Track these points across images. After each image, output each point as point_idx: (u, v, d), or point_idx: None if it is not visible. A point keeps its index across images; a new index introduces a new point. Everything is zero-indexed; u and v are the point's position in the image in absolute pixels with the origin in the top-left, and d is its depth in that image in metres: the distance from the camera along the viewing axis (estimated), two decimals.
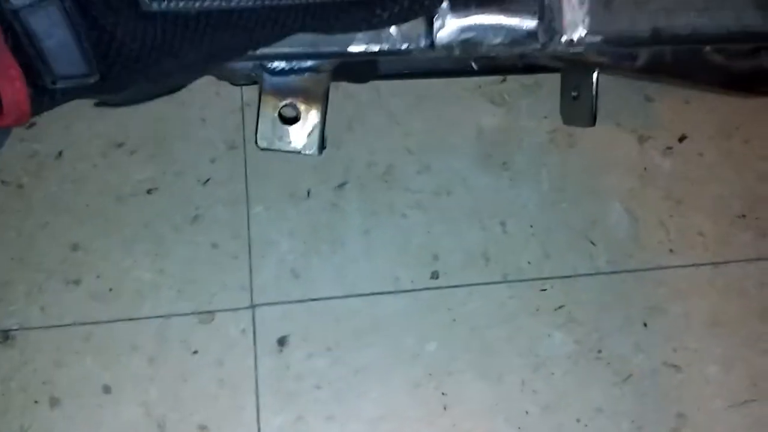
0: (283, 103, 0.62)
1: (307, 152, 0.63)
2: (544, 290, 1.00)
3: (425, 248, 1.02)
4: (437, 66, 1.08)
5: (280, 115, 0.63)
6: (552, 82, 1.13)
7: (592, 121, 0.72)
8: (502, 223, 1.04)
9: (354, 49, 0.57)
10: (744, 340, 0.99)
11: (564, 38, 0.56)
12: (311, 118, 0.63)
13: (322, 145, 0.63)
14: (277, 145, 0.63)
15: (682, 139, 1.13)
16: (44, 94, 0.37)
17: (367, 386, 0.93)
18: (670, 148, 1.11)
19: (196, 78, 0.59)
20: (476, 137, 1.10)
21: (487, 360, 0.95)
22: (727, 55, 0.69)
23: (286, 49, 0.57)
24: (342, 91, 1.10)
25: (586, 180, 1.08)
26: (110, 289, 0.95)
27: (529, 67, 1.10)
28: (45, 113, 1.06)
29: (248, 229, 1.00)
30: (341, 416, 0.92)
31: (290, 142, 0.62)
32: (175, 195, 1.01)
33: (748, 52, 0.69)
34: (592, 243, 1.03)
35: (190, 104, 1.06)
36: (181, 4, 0.37)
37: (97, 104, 0.59)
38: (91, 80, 0.38)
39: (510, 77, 1.13)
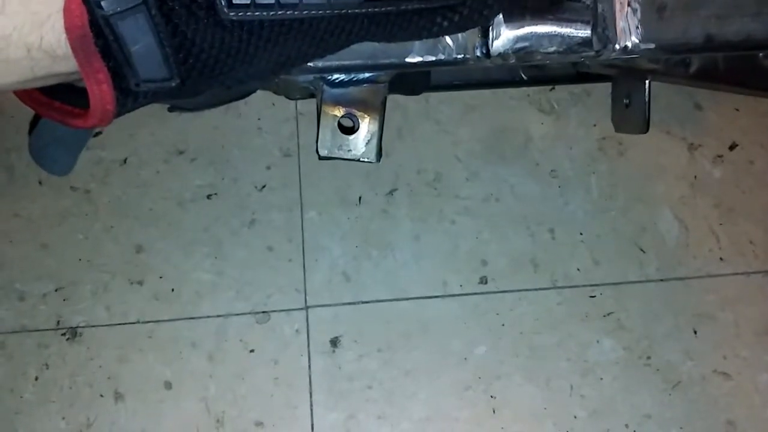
0: (342, 113, 0.65)
1: (365, 160, 0.65)
2: (593, 297, 1.01)
3: (474, 254, 1.04)
4: (487, 76, 1.10)
5: (340, 125, 0.65)
6: (601, 90, 1.14)
7: (646, 127, 0.73)
8: (551, 230, 1.05)
9: (411, 59, 0.60)
10: None
11: (617, 46, 0.58)
12: (369, 127, 0.65)
13: (379, 153, 0.66)
14: (337, 153, 0.65)
15: (732, 147, 1.12)
16: (128, 96, 0.40)
17: (417, 387, 0.95)
18: (720, 156, 1.11)
19: (264, 85, 0.62)
20: (524, 145, 1.12)
21: (536, 364, 0.97)
22: None
23: (346, 62, 0.60)
24: (392, 100, 1.12)
25: (636, 188, 1.08)
26: (172, 290, 1.00)
27: (578, 76, 1.12)
28: (112, 122, 1.11)
29: (302, 233, 1.03)
30: (391, 416, 0.94)
31: (350, 150, 0.65)
32: (233, 200, 1.05)
33: None
34: (642, 250, 1.04)
35: (247, 114, 1.11)
36: (257, 13, 0.40)
37: (171, 109, 0.62)
38: (172, 84, 0.40)
39: (559, 86, 1.14)
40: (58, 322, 0.98)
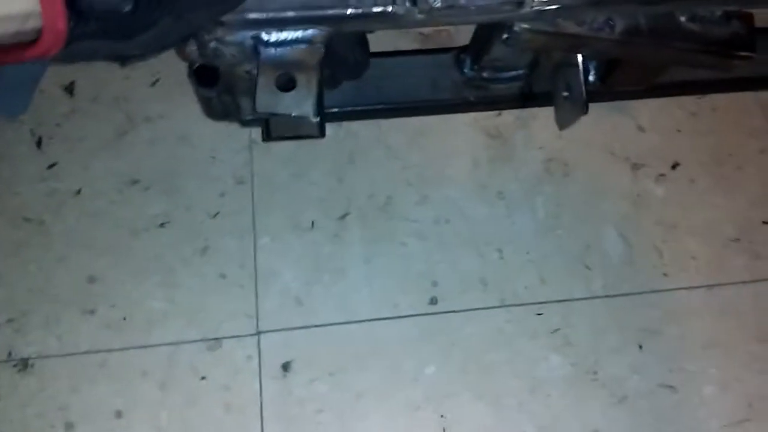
0: (279, 72, 0.67)
1: (302, 114, 0.66)
2: (541, 314, 1.03)
3: (424, 275, 1.05)
4: (435, 96, 1.14)
5: (277, 84, 0.67)
6: (545, 114, 1.17)
7: (585, 107, 0.76)
8: (499, 250, 1.08)
9: (341, 11, 0.62)
10: (739, 361, 1.00)
11: None
12: (307, 84, 0.67)
13: (317, 111, 0.67)
14: (275, 109, 0.67)
15: (674, 166, 1.16)
16: (80, 17, 0.39)
17: (368, 409, 0.96)
18: (662, 175, 1.15)
19: (214, 15, 0.61)
20: (473, 168, 1.15)
21: (485, 383, 0.98)
22: (702, 23, 0.73)
23: (280, 14, 0.63)
24: (345, 128, 1.16)
25: (581, 207, 1.11)
26: (123, 318, 1.00)
27: (522, 97, 1.15)
28: (64, 155, 1.11)
29: (254, 259, 1.05)
30: None
31: (288, 106, 0.66)
32: (186, 228, 1.07)
33: (720, 19, 0.72)
34: (588, 268, 1.06)
35: (201, 144, 1.13)
36: None
37: (121, 63, 0.62)
38: (125, 8, 0.40)
39: (505, 112, 1.18)
40: (10, 353, 0.98)
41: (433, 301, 1.04)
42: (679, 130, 1.20)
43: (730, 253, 1.09)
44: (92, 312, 1.01)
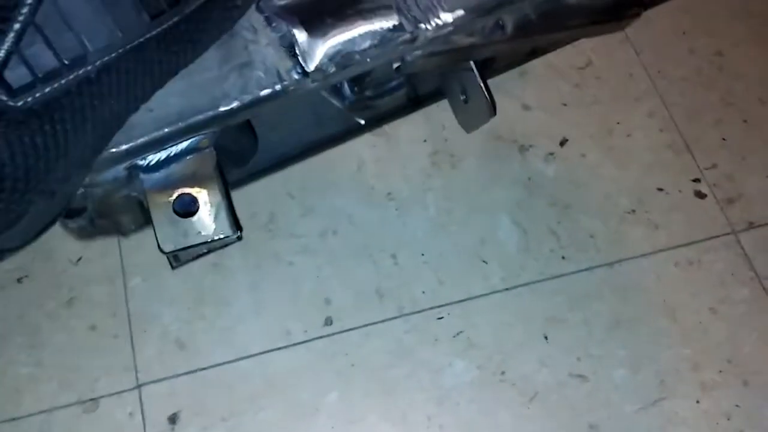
0: (174, 196, 0.56)
1: (221, 237, 0.56)
2: (441, 318, 0.97)
3: (316, 294, 0.99)
4: (324, 132, 1.06)
5: (176, 210, 0.56)
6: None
7: (493, 111, 0.71)
8: (393, 256, 1.02)
9: (226, 107, 0.53)
10: (647, 338, 0.98)
11: (429, 25, 0.55)
12: (211, 199, 0.56)
13: (236, 224, 0.57)
14: (184, 242, 0.55)
15: (563, 143, 1.12)
16: None
17: None
18: (551, 153, 1.11)
19: (87, 173, 0.52)
20: (357, 171, 1.08)
21: (390, 401, 0.92)
22: None
23: (154, 134, 0.52)
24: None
25: (472, 198, 1.06)
26: None
27: (411, 103, 1.09)
28: None
29: (127, 304, 0.96)
30: None
31: (199, 233, 0.55)
32: (47, 280, 0.97)
33: None
34: (485, 262, 1.02)
35: None
36: (47, 88, 0.33)
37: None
38: None
39: None
40: None
41: (328, 321, 0.97)
42: (564, 104, 1.16)
43: (628, 226, 1.06)
44: None
